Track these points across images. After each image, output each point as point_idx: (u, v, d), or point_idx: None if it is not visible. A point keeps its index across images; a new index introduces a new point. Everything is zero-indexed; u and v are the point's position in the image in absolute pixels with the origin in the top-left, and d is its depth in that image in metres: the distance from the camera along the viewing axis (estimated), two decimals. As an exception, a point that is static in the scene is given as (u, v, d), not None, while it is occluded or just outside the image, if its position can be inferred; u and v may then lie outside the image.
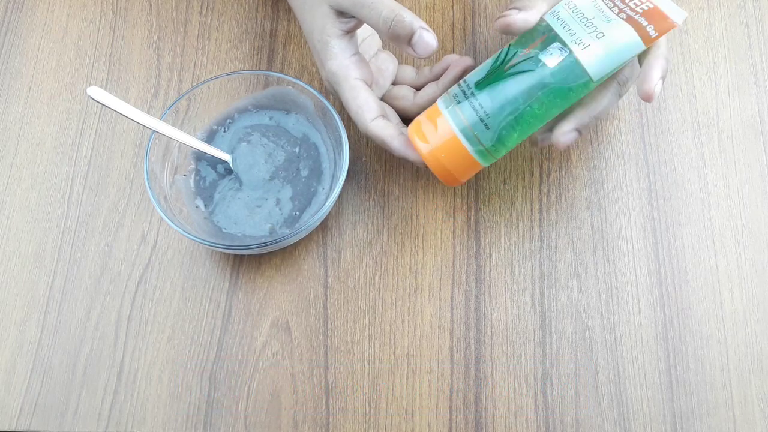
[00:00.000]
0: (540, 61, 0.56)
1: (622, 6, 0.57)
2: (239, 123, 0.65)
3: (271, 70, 0.69)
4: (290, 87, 0.64)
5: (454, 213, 0.64)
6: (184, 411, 0.59)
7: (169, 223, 0.59)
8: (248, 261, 0.63)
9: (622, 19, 0.56)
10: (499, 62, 0.57)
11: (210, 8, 0.72)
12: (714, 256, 0.62)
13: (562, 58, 0.55)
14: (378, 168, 0.66)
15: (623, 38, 0.55)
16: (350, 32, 0.60)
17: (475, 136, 0.56)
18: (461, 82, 0.59)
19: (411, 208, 0.64)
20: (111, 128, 0.68)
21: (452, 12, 0.71)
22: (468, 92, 0.57)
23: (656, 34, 0.55)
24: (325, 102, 0.62)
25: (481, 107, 0.56)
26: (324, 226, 0.64)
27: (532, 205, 0.64)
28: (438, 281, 0.62)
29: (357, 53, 0.60)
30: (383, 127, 0.59)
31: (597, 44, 0.55)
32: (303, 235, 0.61)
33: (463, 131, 0.57)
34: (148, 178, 0.60)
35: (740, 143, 0.66)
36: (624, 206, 0.64)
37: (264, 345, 0.60)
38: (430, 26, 0.70)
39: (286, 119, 0.66)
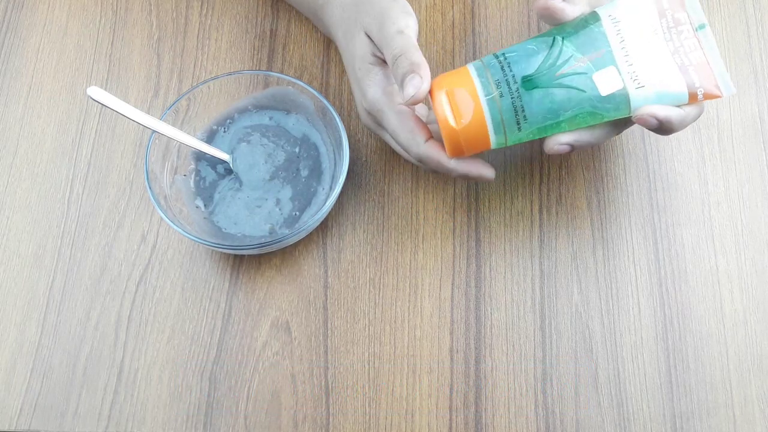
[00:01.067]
0: (593, 82, 0.54)
1: (677, 42, 0.56)
2: (239, 123, 0.65)
3: (271, 70, 0.69)
4: (290, 87, 0.64)
5: (454, 213, 0.64)
6: (184, 411, 0.59)
7: (169, 223, 0.59)
8: (248, 261, 0.63)
9: (677, 64, 0.55)
10: (549, 61, 0.55)
11: (210, 8, 0.72)
12: (714, 256, 0.62)
13: (615, 90, 0.54)
14: (378, 168, 0.66)
15: (674, 90, 0.55)
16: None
17: (503, 131, 0.55)
18: (504, 64, 0.55)
19: (411, 208, 0.64)
20: (111, 128, 0.68)
21: (452, 12, 0.71)
22: (513, 86, 0.54)
23: (702, 98, 0.55)
24: (325, 102, 0.62)
25: (522, 110, 0.55)
26: (324, 226, 0.64)
27: (532, 205, 0.64)
28: (438, 281, 0.62)
29: None
30: (438, 149, 0.58)
31: (650, 87, 0.54)
32: (303, 235, 0.61)
33: (495, 123, 0.55)
34: (148, 178, 0.60)
35: (740, 143, 0.66)
36: (624, 206, 0.64)
37: (264, 345, 0.60)
38: (430, 26, 0.70)
39: (286, 119, 0.66)
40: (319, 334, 0.61)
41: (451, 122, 0.55)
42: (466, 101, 0.55)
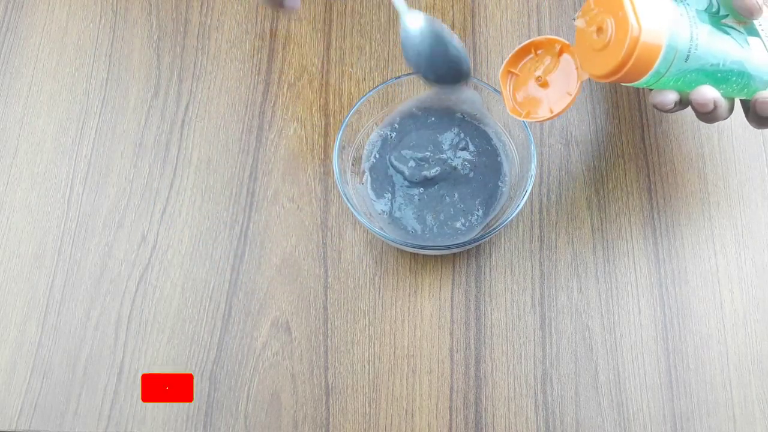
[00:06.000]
0: (748, 44, 0.53)
1: None
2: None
3: (271, 70, 0.69)
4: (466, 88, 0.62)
5: (454, 213, 0.64)
6: (184, 411, 0.59)
7: (367, 224, 0.57)
8: (248, 261, 0.63)
9: None
10: (714, 9, 0.53)
11: (210, 8, 0.72)
12: (714, 256, 0.62)
13: (765, 60, 0.53)
14: (378, 168, 0.66)
15: None
16: None
17: (674, 54, 0.50)
18: None
19: (411, 208, 0.64)
20: (111, 128, 0.68)
21: (452, 12, 0.71)
22: (690, 12, 0.51)
23: None
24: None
25: (697, 38, 0.50)
26: (324, 226, 0.64)
27: (532, 206, 0.64)
28: (438, 281, 0.62)
29: None
30: None
31: None
32: (491, 235, 0.59)
33: (671, 41, 0.49)
34: (339, 181, 0.58)
35: (740, 143, 0.66)
36: (624, 206, 0.64)
37: (264, 345, 0.60)
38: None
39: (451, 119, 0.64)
40: (319, 334, 0.61)
41: (633, 24, 0.48)
42: (650, 6, 0.49)
